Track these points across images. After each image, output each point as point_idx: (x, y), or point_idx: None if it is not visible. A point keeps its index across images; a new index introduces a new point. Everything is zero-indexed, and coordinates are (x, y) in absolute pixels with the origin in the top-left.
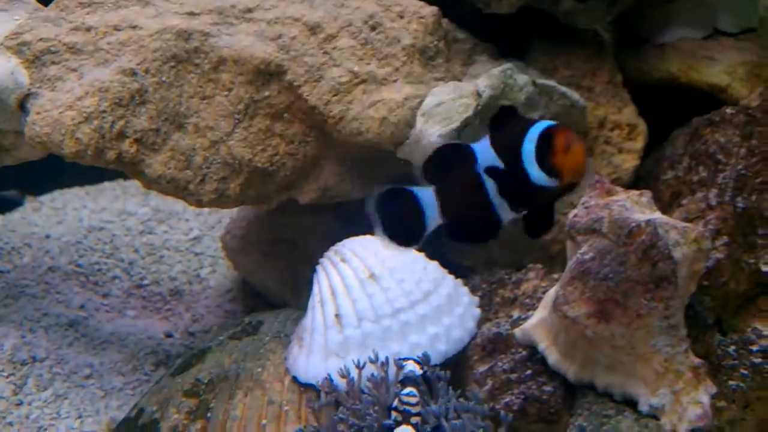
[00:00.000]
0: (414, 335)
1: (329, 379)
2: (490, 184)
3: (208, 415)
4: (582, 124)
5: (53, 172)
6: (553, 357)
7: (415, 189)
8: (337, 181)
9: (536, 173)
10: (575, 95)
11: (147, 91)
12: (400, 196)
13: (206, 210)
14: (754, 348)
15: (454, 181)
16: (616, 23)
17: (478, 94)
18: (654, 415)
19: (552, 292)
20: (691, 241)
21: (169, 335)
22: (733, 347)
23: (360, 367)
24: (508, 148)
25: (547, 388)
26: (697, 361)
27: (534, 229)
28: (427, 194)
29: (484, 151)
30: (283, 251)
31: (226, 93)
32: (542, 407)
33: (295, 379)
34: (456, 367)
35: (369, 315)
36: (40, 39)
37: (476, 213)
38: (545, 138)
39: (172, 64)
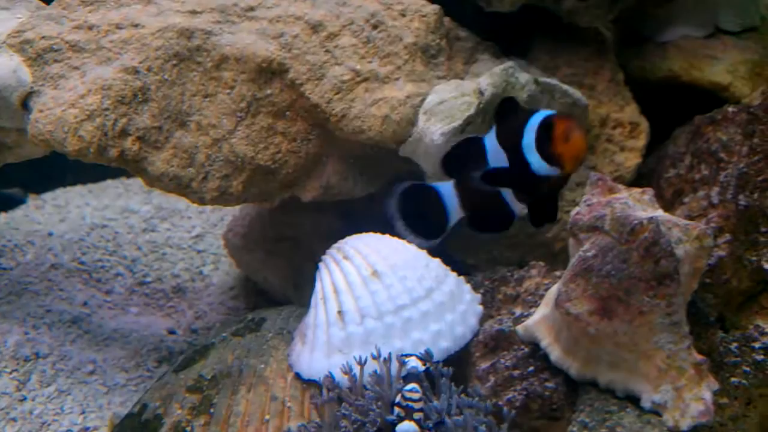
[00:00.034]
0: (416, 332)
1: (331, 376)
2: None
3: (211, 410)
4: (584, 122)
5: (56, 170)
6: (555, 354)
7: (436, 184)
8: (340, 179)
9: (537, 162)
10: (577, 93)
11: (149, 89)
12: (421, 192)
13: (209, 208)
14: (757, 345)
15: (470, 174)
16: (618, 22)
17: (480, 93)
18: (656, 411)
19: (554, 289)
20: (693, 238)
21: (171, 332)
22: (735, 344)
23: (362, 364)
24: (510, 140)
25: (550, 384)
26: (699, 357)
27: (538, 219)
28: (447, 189)
29: (492, 144)
30: (286, 249)
31: (228, 91)
32: (544, 403)
33: (297, 375)
34: (458, 364)
35: (371, 312)
36: (43, 37)
37: (491, 205)
38: (545, 127)
39: (175, 62)
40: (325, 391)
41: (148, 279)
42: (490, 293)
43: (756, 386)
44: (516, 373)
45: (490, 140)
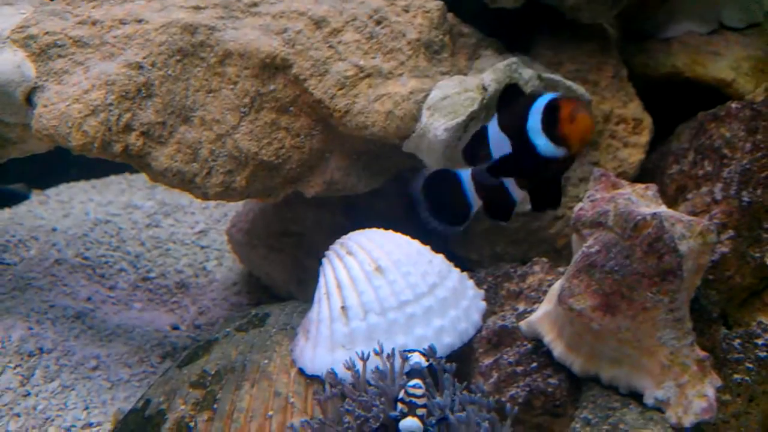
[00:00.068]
0: (419, 328)
1: (333, 372)
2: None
3: (215, 406)
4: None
5: (60, 165)
6: (558, 350)
7: (458, 171)
8: (343, 175)
9: (544, 144)
10: (581, 89)
11: (153, 84)
12: (444, 178)
13: (212, 203)
14: (760, 342)
15: (480, 163)
16: (621, 18)
17: (484, 88)
18: (659, 407)
19: (557, 286)
20: (696, 234)
21: (175, 327)
22: (738, 341)
23: (365, 359)
24: (514, 124)
25: (553, 380)
26: (702, 354)
27: (540, 203)
28: (466, 176)
29: (494, 131)
30: (289, 244)
31: (231, 86)
32: (547, 400)
33: (301, 371)
34: (461, 360)
35: (375, 307)
36: (47, 32)
37: (495, 194)
38: (551, 109)
39: (178, 57)
40: (327, 387)
41: (152, 275)
42: (493, 289)
43: (759, 383)
44: (519, 369)
45: (492, 128)
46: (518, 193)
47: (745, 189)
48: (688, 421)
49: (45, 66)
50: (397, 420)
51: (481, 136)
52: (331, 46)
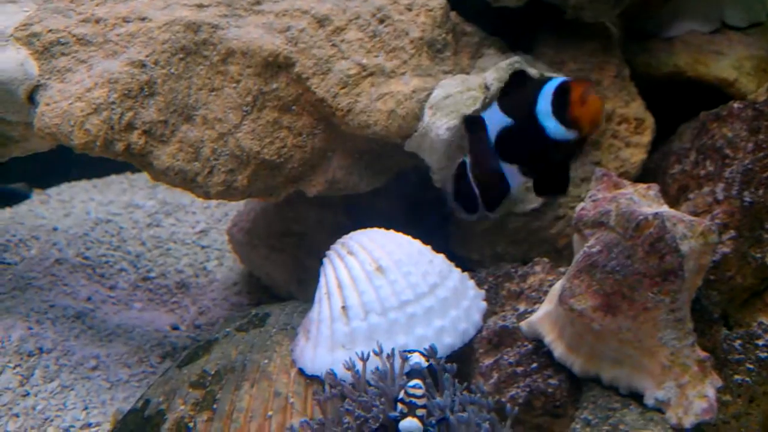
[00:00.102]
0: (420, 328)
1: (333, 373)
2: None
3: (215, 406)
4: None
5: (61, 165)
6: (559, 350)
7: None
8: (345, 174)
9: (554, 127)
10: None
11: (156, 82)
12: (464, 168)
13: (213, 203)
14: (760, 342)
15: (473, 152)
16: (624, 17)
17: (486, 87)
18: (659, 408)
19: (558, 286)
20: (698, 234)
21: (175, 328)
22: (739, 341)
23: (365, 360)
24: (521, 108)
25: (553, 381)
26: (703, 354)
27: (546, 188)
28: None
29: (494, 118)
30: (290, 244)
31: (234, 85)
32: (548, 400)
33: (301, 371)
34: (462, 360)
35: (375, 307)
36: (50, 30)
37: (487, 180)
38: (561, 91)
39: (181, 55)
40: (327, 387)
41: (152, 274)
42: (493, 289)
43: (759, 384)
44: (519, 369)
45: (491, 115)
46: (517, 180)
47: (746, 189)
48: (688, 422)
49: (48, 64)
50: (396, 420)
51: (476, 126)
52: (333, 45)
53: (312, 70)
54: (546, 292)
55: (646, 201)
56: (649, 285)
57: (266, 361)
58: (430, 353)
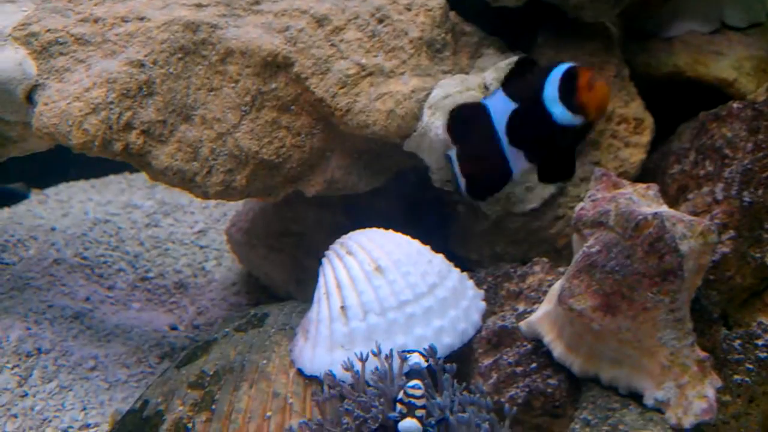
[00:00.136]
0: (419, 328)
1: (331, 373)
2: (503, 136)
3: (213, 407)
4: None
5: (59, 165)
6: (558, 350)
7: (449, 152)
8: (344, 174)
9: (560, 112)
10: None
11: (154, 82)
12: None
13: (212, 203)
14: (760, 342)
15: (470, 140)
16: (624, 17)
17: (486, 87)
18: (659, 408)
19: (557, 286)
20: (697, 234)
21: (173, 328)
22: (738, 341)
23: (363, 360)
24: (527, 94)
25: (552, 381)
26: (702, 354)
27: (550, 175)
28: (452, 155)
29: (498, 105)
30: (289, 244)
31: (233, 85)
32: (547, 400)
33: (300, 371)
34: (461, 360)
35: (374, 307)
36: (48, 30)
37: (486, 167)
38: (568, 77)
39: (180, 55)
40: (326, 388)
41: (151, 275)
42: (493, 289)
43: (759, 384)
44: (518, 369)
45: (496, 103)
46: (521, 165)
47: (746, 189)
48: (688, 422)
49: (46, 64)
50: (396, 421)
51: (466, 113)
52: (332, 45)
53: (311, 69)
54: (545, 292)
55: (645, 201)
56: (649, 285)
57: (265, 361)
58: (430, 353)
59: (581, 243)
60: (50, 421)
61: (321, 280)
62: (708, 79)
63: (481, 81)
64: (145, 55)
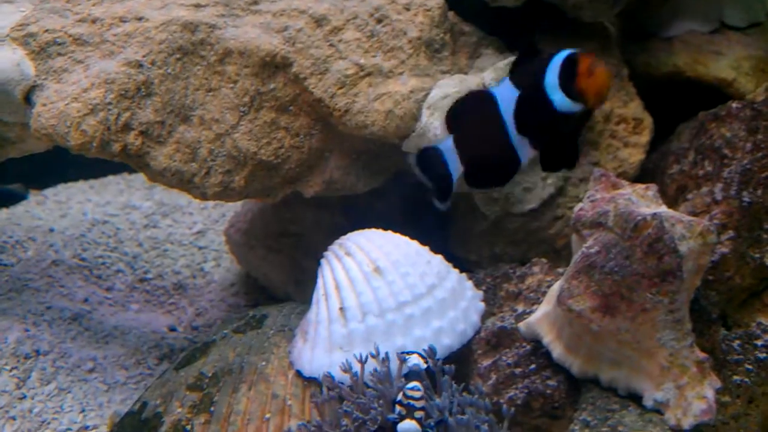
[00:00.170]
0: (418, 329)
1: (330, 375)
2: (510, 124)
3: (212, 408)
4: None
5: (57, 165)
6: (557, 351)
7: (436, 144)
8: (342, 174)
9: (560, 99)
10: None
11: (153, 83)
12: (427, 155)
13: (210, 204)
14: (759, 343)
15: (473, 126)
16: (623, 16)
17: (484, 87)
18: (658, 409)
19: (556, 286)
20: (696, 234)
21: (172, 329)
22: (737, 342)
23: (363, 362)
24: (530, 81)
25: (551, 382)
26: (702, 355)
27: (553, 163)
28: (447, 145)
29: (505, 94)
30: (287, 245)
31: (231, 85)
32: (546, 401)
33: (299, 373)
34: (460, 361)
35: (373, 309)
36: (46, 30)
37: (494, 155)
38: (568, 63)
39: (178, 56)
40: (325, 389)
41: (149, 276)
42: (492, 290)
43: (758, 384)
44: (518, 370)
45: (503, 91)
46: (528, 153)
47: (745, 189)
48: (687, 423)
49: (44, 64)
50: (395, 422)
51: (472, 102)
52: (331, 45)
53: (309, 70)
54: (544, 293)
55: (644, 201)
56: (648, 286)
57: (264, 363)
58: (430, 354)
59: (580, 244)
60: (49, 423)
61: (319, 281)
62: (707, 79)
63: (480, 81)
64: (144, 56)
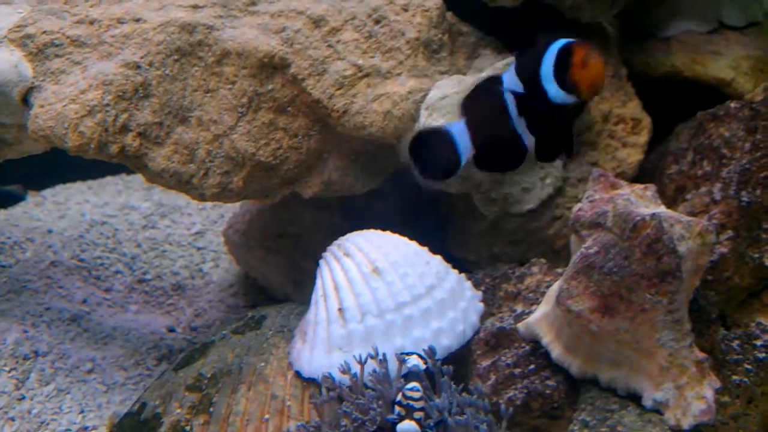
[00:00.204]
0: (417, 330)
1: (329, 376)
2: (514, 111)
3: (211, 409)
4: (585, 117)
5: (56, 166)
6: (556, 351)
7: (447, 125)
8: (341, 175)
9: (555, 91)
10: None
11: (150, 84)
12: (432, 135)
13: (209, 204)
14: (758, 343)
15: (484, 111)
16: (621, 17)
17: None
18: (658, 409)
19: (555, 287)
20: (695, 235)
21: (171, 330)
22: (737, 342)
23: (362, 363)
24: (528, 70)
25: (551, 382)
26: (701, 355)
27: (546, 153)
28: (458, 127)
29: (510, 79)
30: (286, 246)
31: (229, 86)
32: (545, 402)
33: (298, 373)
34: (459, 362)
35: (372, 309)
36: (44, 32)
37: (503, 140)
38: (563, 54)
39: (176, 57)
40: (324, 390)
41: (148, 276)
42: (491, 290)
43: (758, 384)
44: (517, 371)
45: (508, 77)
46: (530, 140)
47: (744, 189)
48: (686, 423)
49: (42, 66)
50: (394, 423)
51: (486, 87)
52: (329, 46)
53: (307, 71)
54: (543, 293)
55: (643, 202)
56: (647, 286)
57: (263, 363)
58: (429, 354)
59: (579, 244)
60: (48, 424)
61: (318, 282)
62: (706, 79)
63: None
64: (141, 57)
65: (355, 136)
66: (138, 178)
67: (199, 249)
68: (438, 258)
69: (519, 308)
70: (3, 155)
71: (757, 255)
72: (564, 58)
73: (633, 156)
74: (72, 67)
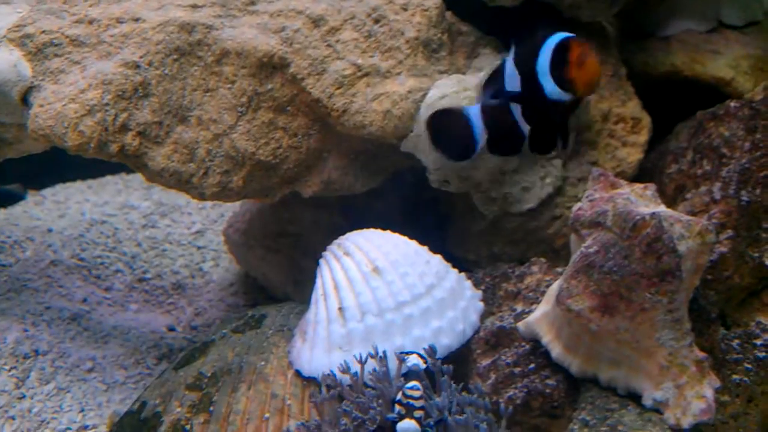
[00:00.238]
0: (417, 329)
1: (332, 374)
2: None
3: (211, 408)
4: (584, 117)
5: (56, 166)
6: (556, 350)
7: (467, 107)
8: (341, 175)
9: (551, 87)
10: None
11: (150, 83)
12: (451, 114)
13: (209, 204)
14: (758, 342)
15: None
16: (621, 16)
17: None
18: (658, 409)
19: (555, 286)
20: (695, 234)
21: (171, 329)
22: (737, 341)
23: (362, 362)
24: (526, 63)
25: (551, 381)
26: (701, 355)
27: (540, 146)
28: (475, 111)
29: (510, 66)
30: (286, 245)
31: (229, 86)
32: (545, 401)
33: (298, 372)
34: (459, 361)
35: (372, 308)
36: (43, 31)
37: (507, 127)
38: (560, 51)
39: (176, 56)
40: (324, 389)
41: (148, 275)
42: (491, 290)
43: (757, 383)
44: (517, 370)
45: (509, 63)
46: (527, 128)
47: (744, 188)
48: (686, 423)
49: (41, 65)
50: (394, 422)
51: (499, 70)
52: (329, 45)
53: (307, 70)
54: (543, 293)
55: (643, 201)
56: (647, 285)
57: (263, 362)
58: (430, 354)
59: (579, 243)
60: (48, 423)
61: (318, 281)
62: (705, 78)
63: (478, 81)
64: (141, 57)
65: (354, 136)
66: (138, 177)
67: (199, 248)
68: (438, 257)
69: (519, 307)
70: (3, 154)
71: (756, 254)
72: (561, 54)
73: (633, 155)
74: (71, 67)
